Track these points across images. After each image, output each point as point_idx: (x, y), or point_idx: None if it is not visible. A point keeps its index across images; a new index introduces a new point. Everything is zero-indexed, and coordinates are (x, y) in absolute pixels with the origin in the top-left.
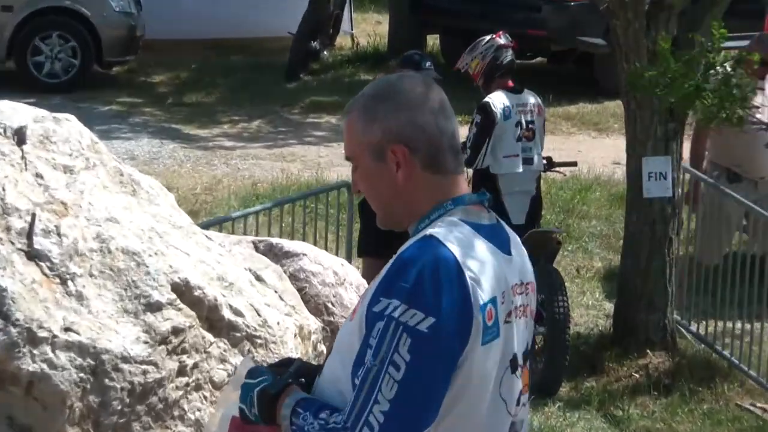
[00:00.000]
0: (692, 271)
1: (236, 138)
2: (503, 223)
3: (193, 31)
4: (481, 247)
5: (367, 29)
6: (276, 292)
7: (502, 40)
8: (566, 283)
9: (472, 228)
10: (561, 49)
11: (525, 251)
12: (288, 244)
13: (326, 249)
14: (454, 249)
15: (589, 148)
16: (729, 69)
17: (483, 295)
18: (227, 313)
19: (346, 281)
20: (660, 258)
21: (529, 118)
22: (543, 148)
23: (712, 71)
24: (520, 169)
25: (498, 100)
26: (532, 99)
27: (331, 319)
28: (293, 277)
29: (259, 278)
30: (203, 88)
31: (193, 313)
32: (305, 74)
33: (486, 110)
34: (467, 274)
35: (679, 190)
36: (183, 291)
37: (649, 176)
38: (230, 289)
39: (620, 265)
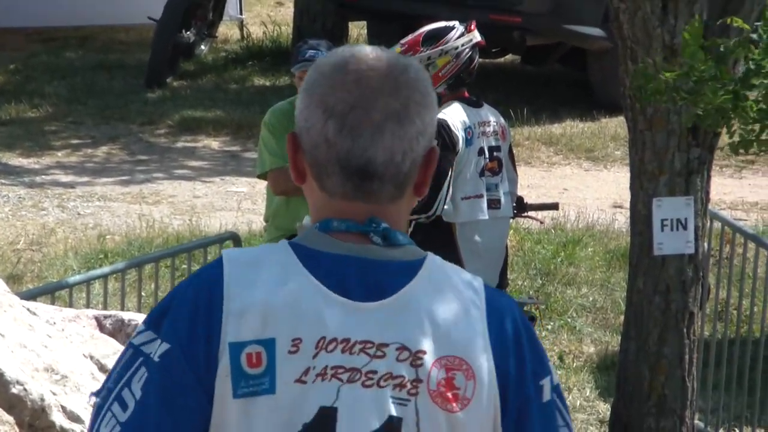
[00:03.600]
0: (721, 360)
1: (76, 170)
2: (398, 263)
3: (13, 17)
4: (286, 278)
5: (262, 14)
6: None
7: (478, 36)
8: None
9: (303, 255)
10: (541, 42)
11: (426, 308)
12: None
13: None
14: (231, 271)
15: (578, 184)
16: None
17: (240, 332)
18: (59, 418)
19: None
20: (676, 340)
21: (492, 143)
22: (513, 186)
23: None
24: (486, 216)
25: (457, 116)
26: (492, 117)
27: None
28: None
29: (104, 369)
30: (27, 98)
31: (10, 419)
32: (174, 78)
33: (444, 132)
34: (228, 302)
35: (705, 245)
36: None
37: (662, 225)
38: (63, 385)
39: (620, 351)
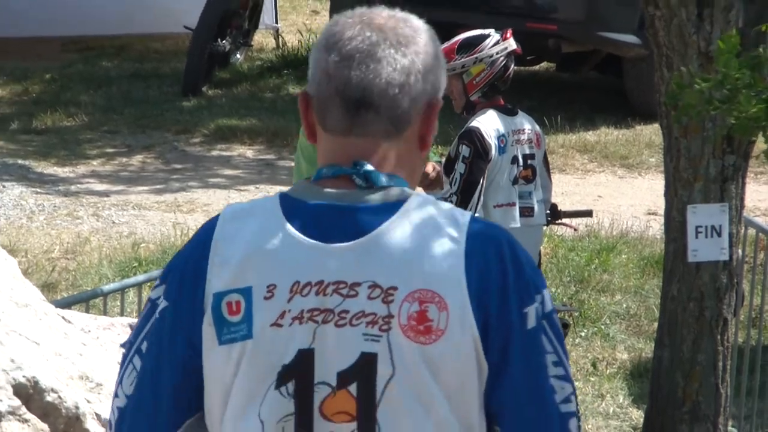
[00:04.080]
0: (755, 367)
1: (111, 179)
2: (379, 205)
3: (49, 26)
4: (266, 228)
5: (298, 22)
6: None
7: (515, 44)
8: (578, 383)
9: (287, 205)
10: (576, 50)
11: (405, 248)
12: None
13: None
14: (222, 226)
15: (613, 191)
16: None
17: (222, 282)
18: (93, 426)
19: None
20: (710, 347)
21: (527, 151)
22: (547, 193)
23: None
24: (518, 224)
25: (490, 124)
26: (527, 125)
27: None
28: None
29: None
30: (63, 108)
31: (45, 426)
32: (209, 87)
33: (477, 139)
34: (214, 255)
35: (740, 252)
36: (30, 395)
37: (697, 232)
38: (98, 392)
39: (654, 358)
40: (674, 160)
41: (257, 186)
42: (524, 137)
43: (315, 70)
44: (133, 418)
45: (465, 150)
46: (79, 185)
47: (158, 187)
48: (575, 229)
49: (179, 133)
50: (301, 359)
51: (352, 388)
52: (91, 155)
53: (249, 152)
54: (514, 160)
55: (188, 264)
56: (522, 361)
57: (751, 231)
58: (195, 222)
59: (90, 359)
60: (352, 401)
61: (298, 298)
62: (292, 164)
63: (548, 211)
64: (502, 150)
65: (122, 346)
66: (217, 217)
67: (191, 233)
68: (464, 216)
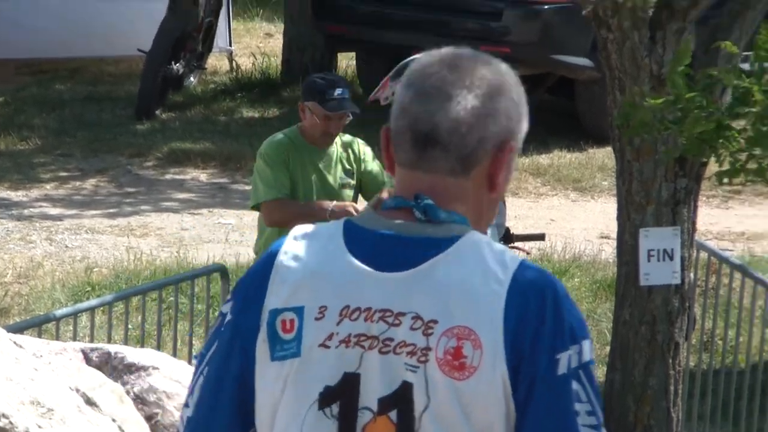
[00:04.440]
0: (707, 391)
1: (64, 203)
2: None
3: (2, 48)
4: (325, 251)
5: (251, 45)
6: (114, 421)
7: None
8: None
9: (348, 231)
10: (529, 72)
11: (451, 285)
12: (133, 354)
13: (189, 360)
14: (288, 245)
15: (565, 215)
16: None
17: (279, 300)
18: None
19: None
20: (662, 371)
21: None
22: (501, 217)
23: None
24: None
25: None
26: None
27: None
28: (140, 400)
29: (90, 402)
30: (16, 131)
31: None
32: (163, 110)
33: None
34: (276, 273)
35: (692, 275)
36: None
37: (649, 255)
38: (49, 418)
39: (605, 381)
40: (627, 183)
41: (210, 210)
42: None
43: (395, 105)
44: (194, 426)
45: None
46: (32, 209)
47: (111, 211)
48: (528, 253)
49: (133, 157)
50: (347, 382)
51: (393, 414)
52: (44, 179)
53: (202, 176)
54: None
55: (254, 281)
56: (548, 404)
57: (703, 254)
58: (148, 246)
59: (41, 384)
60: (392, 428)
61: (346, 322)
62: (246, 188)
63: (501, 235)
64: None
65: (195, 357)
66: (285, 237)
67: (144, 258)
68: (514, 260)
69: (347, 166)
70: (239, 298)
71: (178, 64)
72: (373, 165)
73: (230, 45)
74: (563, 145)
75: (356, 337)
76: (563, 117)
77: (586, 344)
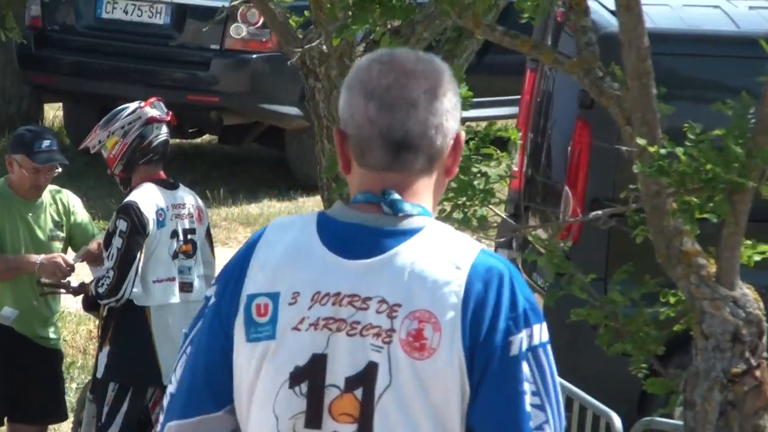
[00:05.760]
0: None
1: None
2: (406, 230)
3: None
4: (299, 240)
5: None
6: None
7: (153, 111)
8: None
9: (321, 222)
10: (239, 122)
11: (411, 270)
12: None
13: None
14: (266, 234)
15: None
16: (470, 149)
17: (256, 285)
18: None
19: None
20: None
21: (187, 226)
22: (210, 269)
23: None
24: (177, 299)
25: (148, 198)
26: (189, 199)
27: None
28: None
29: None
30: None
31: None
32: None
33: (134, 214)
34: (254, 260)
35: None
36: None
37: None
38: None
39: None
40: None
41: None
42: (185, 211)
43: (353, 113)
44: (175, 401)
45: (122, 224)
46: None
47: None
48: None
49: None
50: (315, 362)
51: (358, 392)
52: None
53: None
54: (174, 234)
55: (235, 267)
56: (499, 383)
57: None
58: None
59: None
60: (357, 404)
61: (317, 307)
62: None
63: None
64: (161, 224)
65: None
66: (266, 227)
67: None
68: (473, 246)
69: (56, 218)
70: (222, 282)
71: None
72: (82, 216)
73: None
74: (273, 195)
75: (324, 320)
76: (273, 166)
77: (537, 328)
